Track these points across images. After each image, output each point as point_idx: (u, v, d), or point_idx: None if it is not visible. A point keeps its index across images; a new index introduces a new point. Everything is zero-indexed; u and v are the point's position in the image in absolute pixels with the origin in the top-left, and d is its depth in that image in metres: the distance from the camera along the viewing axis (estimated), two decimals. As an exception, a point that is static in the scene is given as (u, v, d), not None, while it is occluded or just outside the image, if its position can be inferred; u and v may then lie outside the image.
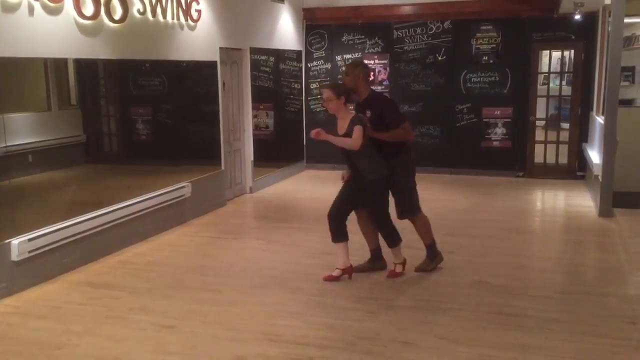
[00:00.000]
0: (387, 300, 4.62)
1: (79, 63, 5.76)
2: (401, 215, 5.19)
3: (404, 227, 5.26)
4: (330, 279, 4.99)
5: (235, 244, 6.30)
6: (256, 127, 8.91)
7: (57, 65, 5.70)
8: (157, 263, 5.62)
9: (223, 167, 7.98)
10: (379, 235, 5.20)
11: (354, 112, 5.02)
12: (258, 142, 8.90)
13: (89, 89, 6.23)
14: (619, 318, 4.27)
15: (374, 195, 4.94)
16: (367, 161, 4.86)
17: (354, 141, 4.72)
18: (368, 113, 4.92)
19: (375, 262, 5.25)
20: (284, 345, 3.87)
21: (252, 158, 8.73)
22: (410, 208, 5.17)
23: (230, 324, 4.22)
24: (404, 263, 5.18)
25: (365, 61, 10.12)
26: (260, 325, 4.19)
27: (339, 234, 4.97)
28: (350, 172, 5.03)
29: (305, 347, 3.83)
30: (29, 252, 4.90)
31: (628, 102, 9.97)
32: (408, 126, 5.03)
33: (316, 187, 9.07)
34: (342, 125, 4.87)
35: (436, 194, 8.64)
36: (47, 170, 5.64)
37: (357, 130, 4.74)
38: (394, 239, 5.09)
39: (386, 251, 5.21)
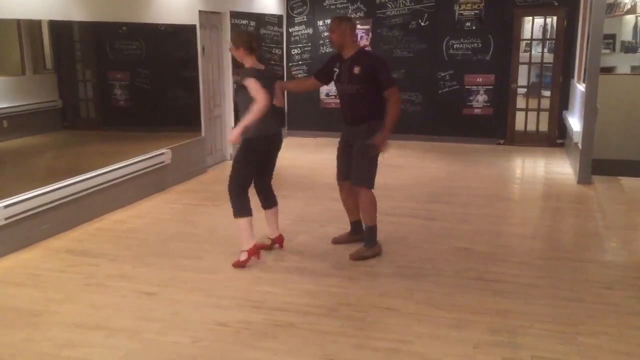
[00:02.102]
0: (368, 267, 4.64)
1: (54, 25, 5.60)
2: (356, 181, 4.79)
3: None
4: (239, 264, 4.61)
5: (216, 210, 6.27)
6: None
7: (31, 27, 5.54)
8: (137, 230, 5.57)
9: (203, 134, 7.90)
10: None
11: (260, 65, 4.59)
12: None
13: (64, 53, 6.07)
14: (596, 283, 4.34)
15: (238, 155, 4.59)
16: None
17: (259, 103, 4.32)
18: (356, 69, 4.60)
19: (356, 234, 5.13)
20: (266, 312, 3.87)
21: (232, 125, 8.64)
22: (366, 177, 4.76)
23: (211, 291, 4.21)
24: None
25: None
26: (242, 291, 4.19)
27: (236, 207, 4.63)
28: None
29: (287, 314, 3.85)
30: (6, 219, 4.81)
31: (609, 70, 10.04)
32: (396, 92, 4.64)
33: (297, 154, 9.01)
34: None
35: (417, 161, 8.67)
36: (23, 136, 5.53)
37: (251, 84, 4.33)
38: (239, 211, 4.62)
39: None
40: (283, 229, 5.18)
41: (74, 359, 3.33)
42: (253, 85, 4.35)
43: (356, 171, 4.79)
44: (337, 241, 5.11)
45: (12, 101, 5.41)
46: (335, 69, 4.80)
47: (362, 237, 4.97)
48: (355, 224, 5.14)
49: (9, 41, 5.52)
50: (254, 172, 4.70)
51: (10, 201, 4.88)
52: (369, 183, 4.76)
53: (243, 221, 4.60)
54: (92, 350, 3.41)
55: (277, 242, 5.01)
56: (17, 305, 3.98)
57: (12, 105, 5.37)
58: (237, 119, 4.55)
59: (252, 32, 4.71)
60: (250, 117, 4.36)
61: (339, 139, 4.98)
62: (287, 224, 5.65)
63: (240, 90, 4.52)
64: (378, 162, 4.77)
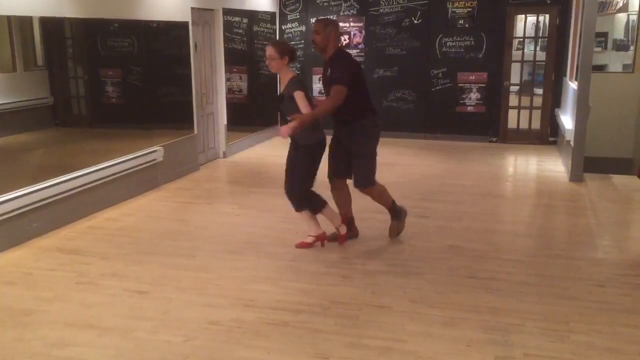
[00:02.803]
0: (360, 265, 4.64)
1: (45, 22, 5.56)
2: (360, 185, 4.95)
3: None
4: (303, 245, 4.96)
5: (209, 209, 6.24)
6: (229, 91, 8.76)
7: (22, 24, 5.49)
8: (129, 228, 5.54)
9: (196, 131, 7.86)
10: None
11: (294, 72, 4.81)
12: (231, 106, 8.77)
13: (55, 50, 6.03)
14: (587, 281, 4.35)
15: (305, 160, 4.73)
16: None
17: (305, 110, 4.51)
18: (329, 71, 4.73)
19: (348, 230, 5.16)
20: (259, 310, 3.86)
21: (225, 122, 8.62)
22: (368, 176, 4.93)
23: (204, 289, 4.19)
24: (320, 237, 4.99)
25: (341, 24, 10.01)
26: (235, 290, 4.18)
27: (302, 204, 4.84)
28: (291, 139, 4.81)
29: (280, 312, 3.83)
30: (-4, 217, 4.78)
31: (600, 68, 10.07)
32: (339, 91, 4.56)
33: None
34: (283, 85, 4.71)
35: (410, 159, 8.68)
36: (13, 134, 5.48)
37: (300, 97, 4.52)
38: (315, 206, 4.88)
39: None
40: (275, 226, 5.16)
41: (65, 359, 3.30)
42: (302, 99, 4.52)
43: (357, 174, 4.90)
44: (331, 239, 5.10)
45: (3, 98, 5.36)
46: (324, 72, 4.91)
47: (355, 234, 5.20)
48: (348, 220, 5.14)
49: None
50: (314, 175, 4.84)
51: (0, 199, 4.84)
52: (373, 181, 4.95)
53: (326, 211, 4.91)
54: (83, 350, 3.39)
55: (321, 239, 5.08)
56: (7, 305, 3.95)
57: (3, 102, 5.32)
58: (283, 123, 4.73)
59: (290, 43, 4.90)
60: (302, 117, 4.45)
61: (331, 136, 4.98)
62: (280, 221, 5.63)
63: (289, 100, 4.58)
64: (375, 155, 4.95)
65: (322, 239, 5.00)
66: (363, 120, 4.83)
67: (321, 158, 4.80)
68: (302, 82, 4.71)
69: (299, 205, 4.83)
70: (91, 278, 4.38)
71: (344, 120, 4.81)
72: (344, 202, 5.10)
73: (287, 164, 4.88)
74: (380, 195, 5.09)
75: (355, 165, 4.92)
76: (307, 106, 4.53)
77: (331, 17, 10.08)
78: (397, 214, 5.18)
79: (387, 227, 5.22)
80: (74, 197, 5.62)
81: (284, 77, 4.70)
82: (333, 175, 5.03)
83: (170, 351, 3.37)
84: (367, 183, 4.93)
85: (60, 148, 5.97)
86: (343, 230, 5.03)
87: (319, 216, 4.95)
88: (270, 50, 4.61)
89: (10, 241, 4.97)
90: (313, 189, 4.84)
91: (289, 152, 4.88)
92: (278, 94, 4.71)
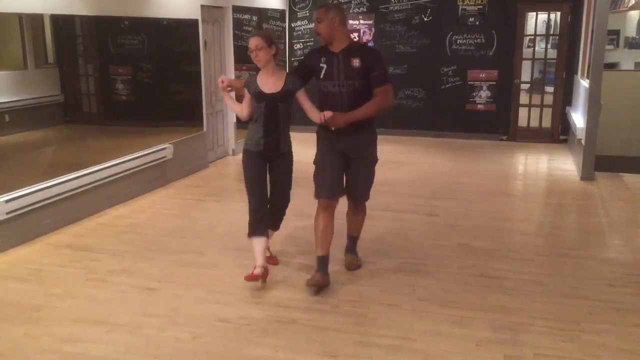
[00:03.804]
0: (370, 263, 4.62)
1: (56, 19, 5.58)
2: (364, 199, 4.37)
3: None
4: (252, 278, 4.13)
5: (218, 206, 6.25)
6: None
7: (33, 21, 5.52)
8: (139, 225, 5.56)
9: (205, 129, 7.87)
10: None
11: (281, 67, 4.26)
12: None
13: (66, 47, 6.06)
14: (598, 280, 4.32)
15: (289, 169, 4.32)
16: (288, 131, 4.22)
17: (308, 107, 4.10)
18: (356, 62, 3.98)
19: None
20: (267, 308, 3.86)
21: (234, 120, 8.62)
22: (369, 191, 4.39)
23: (212, 287, 4.19)
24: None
25: (350, 22, 10.00)
26: (243, 287, 4.18)
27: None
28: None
29: (289, 310, 3.83)
30: (7, 213, 4.80)
31: (612, 66, 9.99)
32: (389, 92, 4.05)
33: (299, 150, 8.95)
34: (274, 82, 4.08)
35: (420, 157, 8.65)
36: (24, 131, 5.52)
37: (303, 94, 4.11)
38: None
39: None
40: (284, 224, 5.16)
41: (75, 355, 3.32)
42: (305, 95, 4.15)
43: (364, 189, 4.33)
44: (348, 267, 4.51)
45: (14, 95, 5.39)
46: (321, 65, 4.07)
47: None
48: (327, 257, 4.23)
49: (11, 35, 5.51)
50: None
51: (11, 196, 4.87)
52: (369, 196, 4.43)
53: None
54: (93, 346, 3.40)
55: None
56: (18, 301, 3.97)
57: (14, 100, 5.36)
58: (275, 126, 4.15)
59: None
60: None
61: (320, 150, 4.23)
62: (289, 219, 5.62)
63: (290, 97, 4.14)
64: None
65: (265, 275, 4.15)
66: (373, 123, 4.24)
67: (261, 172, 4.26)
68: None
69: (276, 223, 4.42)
70: (101, 275, 4.40)
71: (359, 125, 4.06)
72: (330, 232, 4.20)
73: (255, 177, 4.18)
74: (364, 217, 4.55)
75: (366, 178, 4.28)
76: (310, 104, 4.11)
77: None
78: (355, 245, 4.61)
79: (396, 225, 5.21)
80: (84, 194, 5.65)
81: (274, 71, 4.11)
82: (329, 195, 4.15)
83: (179, 348, 3.38)
84: (367, 197, 4.40)
85: (70, 145, 6.00)
86: (257, 271, 4.08)
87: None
88: (256, 40, 4.04)
89: (20, 238, 5.00)
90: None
91: (255, 163, 4.17)
92: (266, 91, 4.07)
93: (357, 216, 4.50)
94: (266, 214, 4.27)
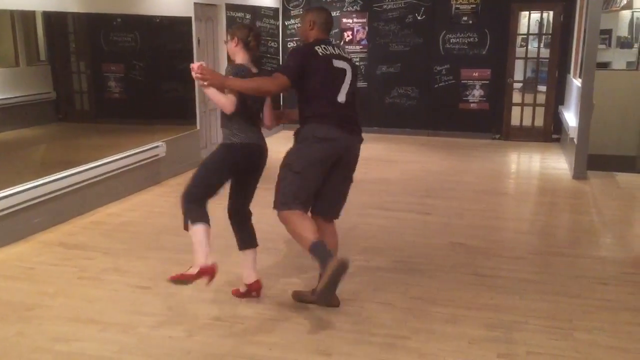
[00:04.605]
0: (363, 262, 4.63)
1: (48, 16, 5.55)
2: (338, 215, 3.90)
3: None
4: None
5: (211, 204, 6.22)
6: (232, 86, 8.74)
7: (25, 18, 5.49)
8: (132, 223, 5.54)
9: (198, 127, 7.85)
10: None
11: (252, 67, 3.86)
12: (234, 102, 8.75)
13: (58, 44, 6.03)
14: (591, 279, 4.34)
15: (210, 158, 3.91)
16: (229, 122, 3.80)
17: (225, 100, 3.66)
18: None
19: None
20: (261, 306, 3.86)
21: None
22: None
23: (206, 285, 4.17)
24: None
25: (344, 20, 10.00)
26: (237, 286, 4.16)
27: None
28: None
29: (283, 308, 3.83)
30: (-1, 211, 4.78)
31: (604, 65, 10.04)
32: (276, 77, 3.59)
33: (284, 147, 8.97)
34: None
35: (413, 156, 8.66)
36: (16, 128, 5.49)
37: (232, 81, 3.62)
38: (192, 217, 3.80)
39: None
40: (278, 222, 5.15)
41: (67, 354, 3.30)
42: (233, 86, 3.59)
43: (343, 201, 3.88)
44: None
45: (6, 93, 5.36)
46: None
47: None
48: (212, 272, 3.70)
49: (2, 32, 5.48)
50: (222, 185, 3.93)
51: (3, 194, 4.84)
52: None
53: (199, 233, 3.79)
54: (86, 345, 3.38)
55: (254, 289, 3.99)
56: (10, 299, 3.95)
57: (6, 97, 5.33)
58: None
59: (257, 30, 4.08)
60: (212, 95, 3.69)
61: (318, 154, 3.67)
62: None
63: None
64: None
65: (210, 272, 3.65)
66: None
67: (236, 168, 3.88)
68: (242, 72, 3.70)
69: (184, 215, 3.78)
70: (93, 273, 4.38)
71: (359, 128, 3.81)
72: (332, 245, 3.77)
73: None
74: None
75: (345, 189, 3.86)
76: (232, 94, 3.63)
77: (334, 13, 10.04)
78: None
79: (389, 224, 5.21)
80: (76, 192, 5.62)
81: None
82: (314, 211, 3.82)
83: (172, 346, 3.37)
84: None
85: (62, 143, 5.97)
86: (194, 270, 3.60)
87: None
88: (227, 33, 3.94)
89: (12, 236, 4.96)
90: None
91: None
92: None
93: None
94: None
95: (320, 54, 3.72)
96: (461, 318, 3.71)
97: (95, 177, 5.83)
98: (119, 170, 6.17)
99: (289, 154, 3.78)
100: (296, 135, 3.80)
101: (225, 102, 3.69)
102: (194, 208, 3.81)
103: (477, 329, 3.58)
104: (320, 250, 3.45)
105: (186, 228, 3.78)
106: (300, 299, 3.91)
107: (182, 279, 3.60)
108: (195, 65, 3.69)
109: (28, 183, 5.11)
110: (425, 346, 3.38)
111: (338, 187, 3.82)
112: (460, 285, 4.20)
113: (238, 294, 4.01)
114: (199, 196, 3.83)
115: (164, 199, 6.39)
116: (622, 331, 3.57)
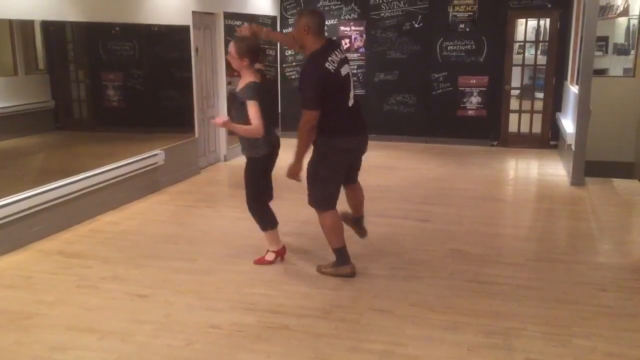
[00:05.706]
0: (362, 269, 4.62)
1: (47, 25, 5.57)
2: (357, 179, 4.69)
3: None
4: (262, 262, 4.70)
5: (210, 212, 6.24)
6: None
7: (23, 28, 5.50)
8: (130, 232, 5.54)
9: (197, 135, 7.86)
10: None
11: (255, 75, 4.37)
12: (232, 110, 8.77)
13: (57, 53, 6.04)
14: (589, 285, 4.34)
15: (247, 174, 4.62)
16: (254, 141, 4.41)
17: (254, 128, 4.23)
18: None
19: (358, 226, 4.85)
20: (260, 314, 3.85)
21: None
22: None
23: (204, 293, 4.18)
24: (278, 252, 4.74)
25: (342, 28, 10.03)
26: (235, 294, 4.17)
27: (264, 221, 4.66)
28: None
29: (281, 316, 3.83)
30: (-3, 220, 4.78)
31: (601, 72, 10.09)
32: (307, 115, 4.09)
33: (290, 156, 8.96)
34: (239, 86, 4.39)
35: (411, 163, 8.67)
36: (14, 137, 5.49)
37: (253, 108, 4.20)
38: (264, 223, 4.67)
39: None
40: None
41: (66, 362, 3.30)
42: (254, 110, 4.22)
43: (358, 171, 4.65)
44: (342, 217, 4.63)
45: (4, 102, 5.37)
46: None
47: (362, 233, 4.91)
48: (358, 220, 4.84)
49: (1, 42, 5.49)
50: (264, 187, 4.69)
51: (1, 202, 4.84)
52: None
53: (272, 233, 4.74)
54: (84, 354, 3.38)
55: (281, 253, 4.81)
56: (8, 308, 3.94)
57: (4, 106, 5.33)
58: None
59: (257, 41, 4.45)
60: (242, 131, 4.31)
61: (341, 162, 4.35)
62: (281, 225, 5.61)
63: (239, 104, 4.30)
64: None
65: (281, 253, 4.75)
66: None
67: (270, 169, 4.67)
68: (258, 91, 4.27)
69: (258, 223, 4.67)
70: (92, 281, 4.38)
71: (364, 122, 4.51)
72: (357, 201, 4.71)
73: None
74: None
75: (360, 164, 4.65)
76: (257, 117, 4.21)
77: (332, 21, 10.08)
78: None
79: (388, 230, 5.21)
80: (75, 201, 5.62)
81: (242, 78, 4.36)
82: (345, 185, 4.59)
83: (171, 355, 3.37)
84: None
85: (61, 151, 5.97)
86: (270, 257, 4.70)
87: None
88: (230, 47, 4.30)
89: (11, 244, 4.96)
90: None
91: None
92: (236, 90, 4.40)
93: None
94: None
95: (332, 70, 4.08)
96: (460, 325, 3.71)
97: (94, 185, 5.84)
98: (117, 179, 6.17)
99: (314, 163, 4.33)
100: (315, 144, 4.27)
101: (254, 130, 4.25)
102: (261, 208, 4.72)
103: (476, 335, 3.58)
104: (343, 254, 4.43)
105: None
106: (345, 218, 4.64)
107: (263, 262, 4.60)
108: (220, 123, 4.33)
109: (27, 192, 5.11)
110: (424, 354, 3.38)
111: (356, 165, 4.57)
112: (459, 292, 4.20)
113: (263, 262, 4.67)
114: (257, 198, 4.71)
115: (163, 207, 6.39)
116: (620, 337, 3.57)
